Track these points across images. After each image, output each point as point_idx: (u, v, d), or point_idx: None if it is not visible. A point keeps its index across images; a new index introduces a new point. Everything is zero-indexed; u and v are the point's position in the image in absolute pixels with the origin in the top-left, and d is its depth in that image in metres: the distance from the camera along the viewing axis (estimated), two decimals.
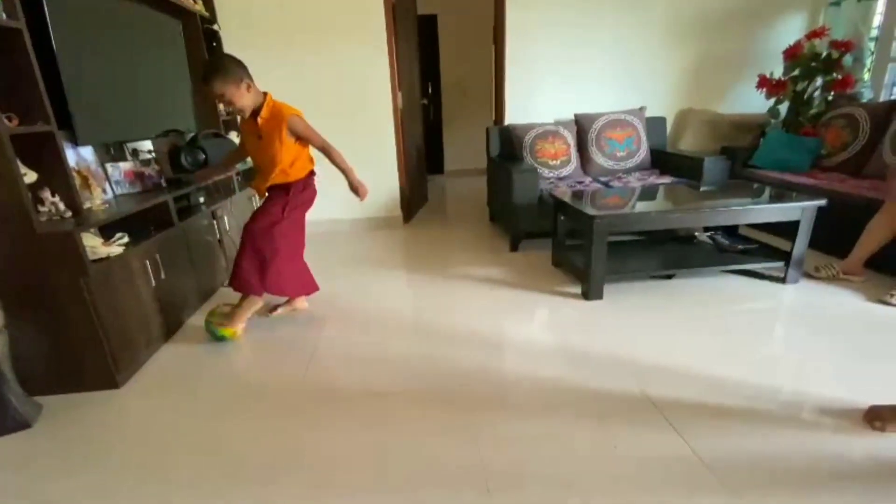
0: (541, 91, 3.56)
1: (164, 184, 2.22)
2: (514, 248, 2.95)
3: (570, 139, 3.19)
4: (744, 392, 1.48)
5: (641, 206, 2.34)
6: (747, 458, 1.21)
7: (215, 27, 3.03)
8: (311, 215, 2.92)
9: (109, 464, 1.33)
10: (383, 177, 3.65)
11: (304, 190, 2.02)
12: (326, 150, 1.96)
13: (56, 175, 1.58)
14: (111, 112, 2.01)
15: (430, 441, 1.34)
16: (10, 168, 1.37)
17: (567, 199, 2.42)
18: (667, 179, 3.00)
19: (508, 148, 3.32)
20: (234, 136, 3.13)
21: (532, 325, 2.04)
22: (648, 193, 2.62)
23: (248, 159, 2.12)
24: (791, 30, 3.58)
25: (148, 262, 1.83)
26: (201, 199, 2.44)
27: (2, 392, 1.46)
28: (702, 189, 2.72)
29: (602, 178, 3.09)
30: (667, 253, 2.53)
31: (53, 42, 1.66)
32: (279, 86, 3.28)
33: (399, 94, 3.56)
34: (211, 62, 1.81)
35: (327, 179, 3.49)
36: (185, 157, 2.49)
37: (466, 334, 1.96)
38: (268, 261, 1.95)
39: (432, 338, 1.95)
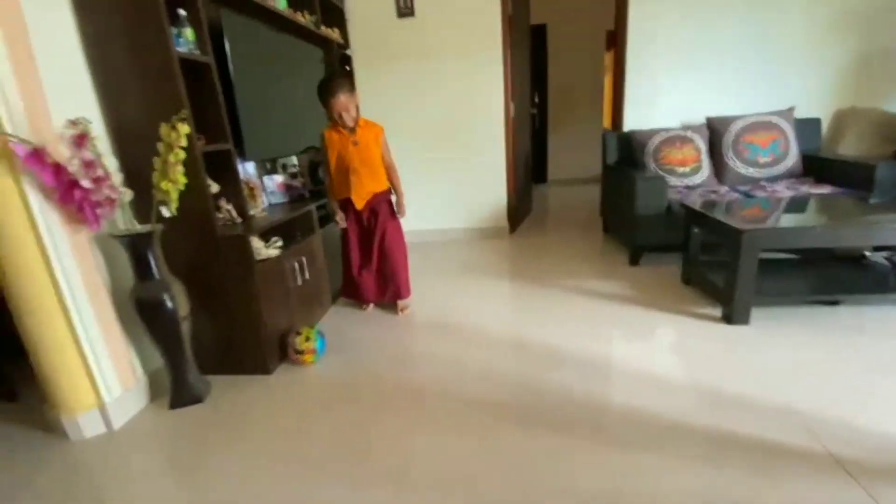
0: (665, 94, 3.30)
1: (307, 194, 2.46)
2: (634, 261, 2.76)
3: (701, 144, 2.91)
4: None
5: (795, 220, 2.04)
6: None
7: (348, 52, 3.32)
8: (416, 224, 3.02)
9: (262, 439, 1.49)
10: (491, 186, 3.67)
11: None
12: (392, 167, 2.29)
13: (231, 186, 1.83)
14: (269, 131, 2.29)
15: (525, 464, 1.29)
16: (202, 180, 1.63)
17: (705, 209, 2.20)
18: (825, 189, 2.59)
19: (628, 154, 3.14)
20: None
21: (659, 349, 1.87)
22: (802, 205, 2.29)
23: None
24: None
25: (296, 263, 2.04)
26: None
27: (183, 370, 1.72)
28: (872, 201, 2.30)
29: (741, 187, 2.77)
30: (829, 275, 2.17)
31: (231, 72, 1.94)
32: (401, 100, 3.51)
33: (511, 104, 3.57)
34: (335, 77, 2.09)
35: (433, 189, 3.68)
36: (322, 171, 2.75)
37: (579, 352, 1.85)
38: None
39: (538, 353, 1.88)
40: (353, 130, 2.11)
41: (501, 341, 2.02)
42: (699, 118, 3.21)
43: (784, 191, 2.64)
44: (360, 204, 2.23)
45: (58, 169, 1.35)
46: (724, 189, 2.78)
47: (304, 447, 1.44)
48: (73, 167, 1.36)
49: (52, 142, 1.41)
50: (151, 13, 1.47)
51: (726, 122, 2.94)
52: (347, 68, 3.33)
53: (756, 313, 1.99)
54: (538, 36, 5.56)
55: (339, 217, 2.28)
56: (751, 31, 3.12)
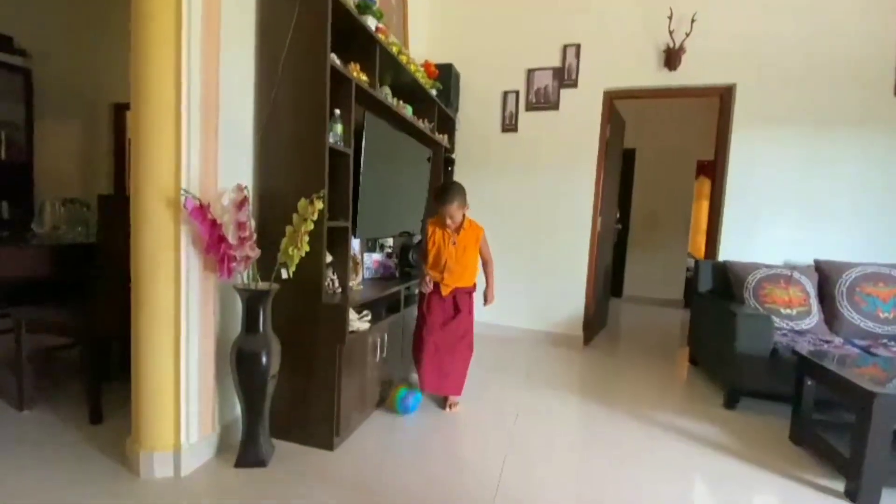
0: (766, 228, 3.19)
1: (397, 274, 2.59)
2: (729, 404, 2.47)
3: (810, 288, 2.71)
4: None
5: None
6: None
7: (453, 156, 3.67)
8: (491, 318, 3.02)
9: None
10: (571, 294, 3.63)
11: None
12: (489, 261, 2.44)
13: (341, 260, 1.98)
14: (377, 214, 2.51)
15: None
16: (322, 251, 1.78)
17: (826, 361, 1.98)
18: None
19: (723, 285, 2.99)
20: None
21: None
22: None
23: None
24: None
25: (378, 339, 2.08)
26: (416, 291, 2.74)
27: (257, 429, 1.73)
28: None
29: (859, 342, 2.49)
30: None
31: (362, 162, 2.20)
32: (495, 203, 3.71)
33: (599, 219, 3.65)
34: (453, 188, 2.25)
35: (515, 288, 3.70)
36: (412, 254, 2.91)
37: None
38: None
39: (617, 498, 1.65)
40: (456, 231, 2.28)
41: (573, 474, 1.85)
42: (803, 258, 3.04)
43: None
44: (445, 291, 2.32)
45: (213, 224, 1.56)
46: (838, 340, 2.51)
47: None
48: (226, 224, 1.57)
49: (214, 200, 1.65)
50: (318, 111, 1.76)
51: (839, 267, 2.75)
52: (450, 169, 3.65)
53: (886, 495, 1.66)
54: (627, 158, 5.79)
55: (428, 278, 2.31)
56: (874, 168, 3.01)
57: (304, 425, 1.86)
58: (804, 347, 2.29)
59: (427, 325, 2.32)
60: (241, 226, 1.57)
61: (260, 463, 1.72)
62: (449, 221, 2.25)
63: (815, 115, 3.07)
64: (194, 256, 1.63)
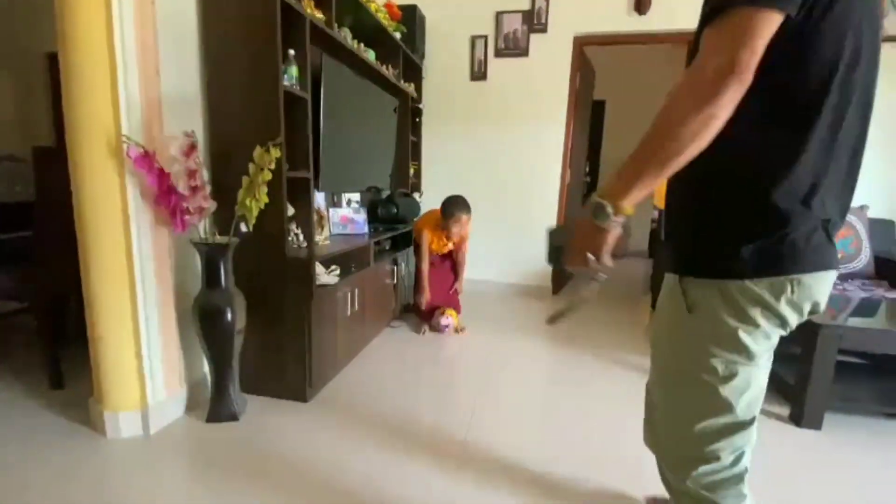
0: None
1: (365, 229, 2.53)
2: None
3: None
4: None
5: (868, 322, 1.92)
6: None
7: (420, 105, 3.53)
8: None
9: (284, 472, 1.44)
10: (539, 246, 3.67)
11: None
12: (462, 264, 2.85)
13: (304, 212, 1.91)
14: (341, 166, 2.41)
15: None
16: (282, 202, 1.71)
17: None
18: None
19: None
20: (417, 196, 3.49)
21: None
22: (875, 308, 2.15)
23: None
24: None
25: (349, 293, 2.06)
26: (387, 248, 2.72)
27: (227, 385, 1.71)
28: None
29: None
30: None
31: (322, 109, 2.08)
32: (463, 154, 3.65)
33: (568, 171, 3.64)
34: (467, 205, 2.52)
35: (483, 241, 3.70)
36: (381, 209, 2.85)
37: (617, 434, 1.71)
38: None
39: (575, 436, 1.74)
40: (445, 246, 2.56)
41: (539, 407, 1.93)
42: None
43: (856, 291, 2.49)
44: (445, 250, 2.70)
45: (161, 173, 1.46)
46: None
47: (322, 490, 1.38)
48: (175, 172, 1.47)
49: (161, 148, 1.53)
50: (270, 50, 1.63)
51: None
52: (417, 120, 3.52)
53: (828, 419, 1.81)
54: (597, 110, 5.74)
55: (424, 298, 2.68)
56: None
57: (278, 379, 1.85)
58: None
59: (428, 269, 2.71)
60: (191, 174, 1.47)
61: (232, 417, 1.71)
62: (455, 231, 2.44)
63: None
64: (144, 209, 1.53)
